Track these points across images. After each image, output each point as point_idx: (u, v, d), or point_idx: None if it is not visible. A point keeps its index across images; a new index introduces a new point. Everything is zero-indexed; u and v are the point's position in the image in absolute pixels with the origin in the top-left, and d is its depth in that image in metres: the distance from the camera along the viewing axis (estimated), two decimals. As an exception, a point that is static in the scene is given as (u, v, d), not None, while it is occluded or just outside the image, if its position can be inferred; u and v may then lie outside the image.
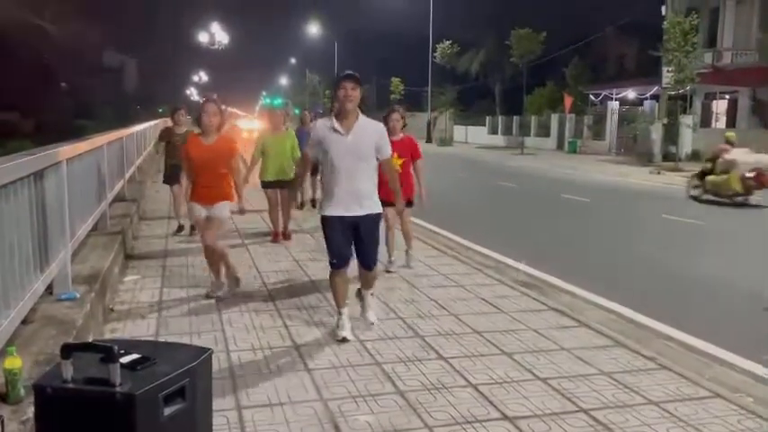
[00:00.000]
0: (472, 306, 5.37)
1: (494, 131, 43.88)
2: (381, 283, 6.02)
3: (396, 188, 4.79)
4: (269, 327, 4.72)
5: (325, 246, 4.51)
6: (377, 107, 40.21)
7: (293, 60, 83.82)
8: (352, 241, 4.44)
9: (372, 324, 4.70)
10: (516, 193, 15.82)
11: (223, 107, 5.48)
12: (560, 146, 35.48)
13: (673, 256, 8.19)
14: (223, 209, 5.44)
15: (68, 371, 2.00)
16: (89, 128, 30.58)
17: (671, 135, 24.48)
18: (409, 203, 6.30)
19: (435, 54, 44.56)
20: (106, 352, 1.95)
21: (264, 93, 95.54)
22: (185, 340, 4.40)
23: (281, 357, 4.13)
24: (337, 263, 4.44)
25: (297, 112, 25.29)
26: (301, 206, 10.40)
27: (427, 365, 4.03)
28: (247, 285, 5.84)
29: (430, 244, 7.98)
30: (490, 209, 12.73)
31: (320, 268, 6.55)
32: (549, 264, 7.15)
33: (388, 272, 6.34)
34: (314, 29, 59.74)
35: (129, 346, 2.21)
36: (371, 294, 4.84)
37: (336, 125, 4.30)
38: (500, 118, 43.83)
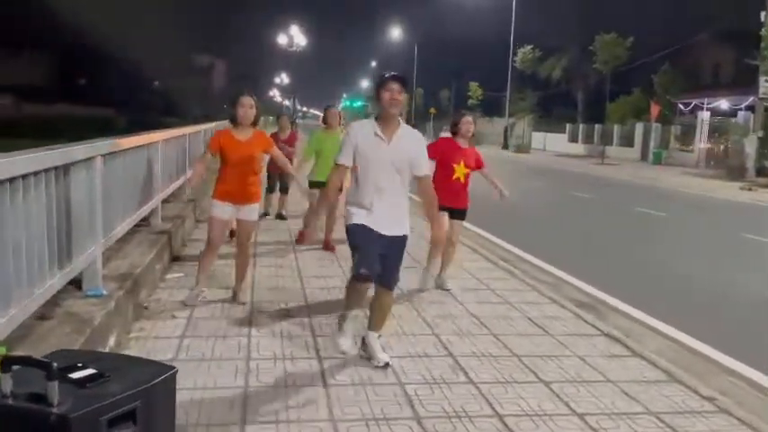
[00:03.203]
0: (516, 326, 5.00)
1: (574, 139, 42.44)
2: (424, 295, 5.74)
3: (433, 213, 4.12)
4: (296, 335, 4.54)
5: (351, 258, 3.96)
6: (454, 112, 39.71)
7: (374, 63, 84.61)
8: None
9: (388, 364, 4.02)
10: (589, 205, 15.09)
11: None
12: (644, 156, 33.88)
13: (754, 282, 7.47)
14: (254, 211, 5.25)
15: (7, 385, 1.84)
16: (174, 125, 31.73)
17: (766, 149, 22.83)
18: (463, 213, 5.97)
19: (515, 59, 43.62)
20: (45, 368, 1.79)
21: (345, 95, 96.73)
22: (209, 343, 4.30)
23: (301, 370, 3.93)
24: (366, 273, 3.81)
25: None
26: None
27: (453, 390, 3.73)
28: (286, 290, 5.70)
29: (482, 254, 7.60)
30: (558, 220, 12.14)
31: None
32: (613, 282, 6.65)
33: (445, 289, 5.89)
34: (395, 32, 59.96)
35: (91, 359, 2.05)
36: (379, 336, 4.15)
37: (378, 130, 3.89)
38: (581, 126, 42.33)
